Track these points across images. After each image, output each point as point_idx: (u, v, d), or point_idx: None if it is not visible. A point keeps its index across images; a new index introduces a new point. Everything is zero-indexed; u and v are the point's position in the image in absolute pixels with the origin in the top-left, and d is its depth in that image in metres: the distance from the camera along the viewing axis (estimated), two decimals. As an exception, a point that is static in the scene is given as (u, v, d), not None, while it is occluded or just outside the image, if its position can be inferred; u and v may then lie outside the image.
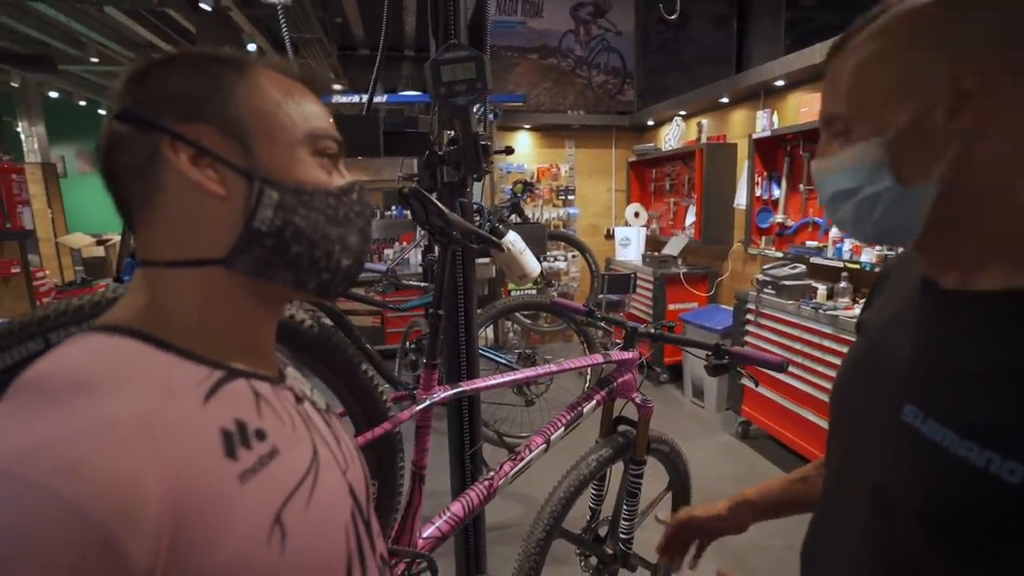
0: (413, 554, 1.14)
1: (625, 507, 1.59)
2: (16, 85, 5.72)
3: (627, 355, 1.57)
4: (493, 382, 1.30)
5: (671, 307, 4.23)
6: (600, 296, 4.11)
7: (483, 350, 2.49)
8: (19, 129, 6.03)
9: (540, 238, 2.11)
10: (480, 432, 1.70)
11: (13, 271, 2.95)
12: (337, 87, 5.00)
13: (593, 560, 1.63)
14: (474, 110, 1.41)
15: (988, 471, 0.44)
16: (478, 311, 2.48)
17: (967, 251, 0.51)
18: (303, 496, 0.46)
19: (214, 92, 0.47)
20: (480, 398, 1.72)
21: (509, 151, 1.46)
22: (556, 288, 5.36)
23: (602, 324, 1.71)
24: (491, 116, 4.58)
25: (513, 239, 1.70)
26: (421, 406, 1.16)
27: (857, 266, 2.81)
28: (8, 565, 0.31)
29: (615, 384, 1.56)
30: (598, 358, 1.56)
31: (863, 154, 0.51)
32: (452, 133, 1.29)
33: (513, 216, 3.66)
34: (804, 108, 3.36)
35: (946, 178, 0.48)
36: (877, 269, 2.72)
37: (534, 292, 4.22)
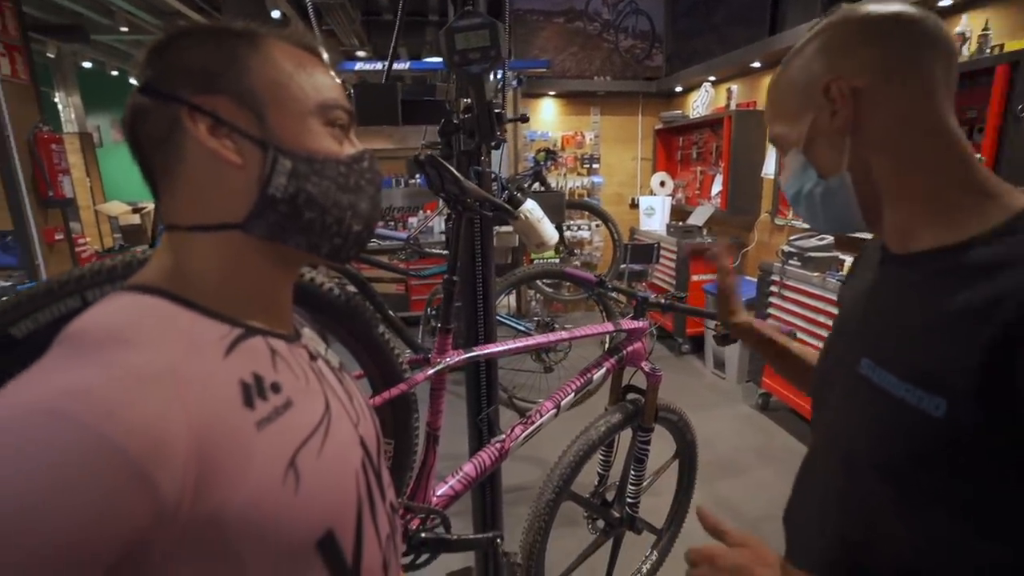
0: (427, 510, 1.20)
1: (632, 473, 1.63)
2: (52, 56, 5.85)
3: (637, 324, 1.58)
4: (505, 347, 1.34)
5: (694, 278, 4.19)
6: (622, 266, 4.09)
7: (502, 317, 2.53)
8: (56, 100, 6.19)
9: (558, 207, 2.11)
10: (497, 396, 1.74)
11: (57, 238, 3.07)
12: (361, 54, 4.98)
13: (600, 523, 1.68)
14: (493, 77, 1.40)
15: (919, 408, 0.52)
16: (498, 279, 2.51)
17: (896, 221, 0.60)
18: (315, 443, 0.50)
19: (229, 64, 0.49)
20: (498, 363, 1.76)
21: (524, 119, 1.46)
22: (579, 257, 5.35)
23: (612, 294, 1.71)
24: (514, 83, 4.52)
25: (531, 207, 1.71)
26: (435, 369, 1.20)
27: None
28: (53, 492, 0.35)
29: (624, 352, 1.59)
30: (608, 326, 1.58)
31: (793, 161, 0.64)
32: (468, 101, 1.29)
33: (536, 184, 3.64)
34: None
35: (853, 164, 0.59)
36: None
37: (557, 261, 4.23)
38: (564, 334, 1.51)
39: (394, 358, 1.13)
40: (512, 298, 5.34)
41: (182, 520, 0.39)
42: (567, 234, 5.32)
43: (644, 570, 1.87)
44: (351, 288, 1.25)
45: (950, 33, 0.60)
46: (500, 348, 1.32)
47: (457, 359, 1.24)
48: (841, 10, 0.60)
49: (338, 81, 0.55)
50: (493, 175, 1.47)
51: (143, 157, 0.51)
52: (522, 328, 2.62)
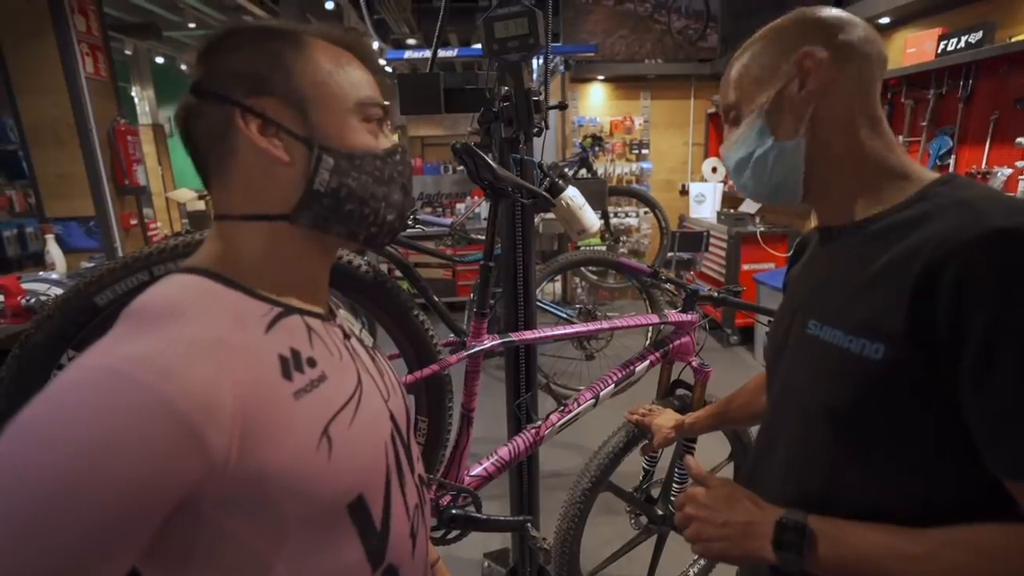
0: (459, 488, 1.24)
1: (677, 471, 1.58)
2: (129, 53, 6.23)
3: (685, 317, 1.54)
4: (541, 334, 1.36)
5: (745, 267, 4.07)
6: (669, 254, 4.02)
7: (544, 303, 2.54)
8: (133, 93, 6.61)
9: (600, 193, 2.09)
10: (535, 382, 1.77)
11: (132, 223, 3.30)
12: (411, 42, 5.05)
13: (643, 519, 1.65)
14: (536, 64, 1.40)
15: (862, 355, 0.58)
16: (543, 265, 2.53)
17: (837, 192, 0.68)
18: (348, 415, 0.55)
19: (276, 67, 0.52)
20: (537, 349, 1.78)
21: (563, 107, 1.46)
22: (625, 245, 5.28)
23: (666, 285, 1.70)
24: (561, 68, 4.48)
25: (572, 194, 1.71)
26: (469, 352, 1.24)
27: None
28: (115, 444, 0.40)
29: (671, 347, 1.55)
30: (654, 318, 1.56)
31: (750, 125, 0.69)
32: (507, 89, 1.31)
33: (582, 171, 3.62)
34: (911, 48, 3.03)
35: (807, 133, 0.66)
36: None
37: (603, 248, 4.20)
38: (604, 324, 1.51)
39: (428, 339, 1.17)
40: (558, 285, 5.35)
41: (227, 475, 0.44)
42: (614, 221, 5.26)
43: (691, 573, 1.82)
44: (398, 272, 1.30)
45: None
46: (536, 335, 1.35)
47: (491, 344, 1.28)
48: (802, 10, 0.68)
49: (373, 77, 0.59)
50: (536, 163, 1.48)
51: (196, 151, 0.56)
52: (564, 315, 2.63)
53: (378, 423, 0.60)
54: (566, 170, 3.01)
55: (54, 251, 2.81)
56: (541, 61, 1.67)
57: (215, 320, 0.48)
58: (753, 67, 0.69)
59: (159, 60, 6.95)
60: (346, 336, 0.62)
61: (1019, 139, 2.55)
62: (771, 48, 0.67)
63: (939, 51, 2.85)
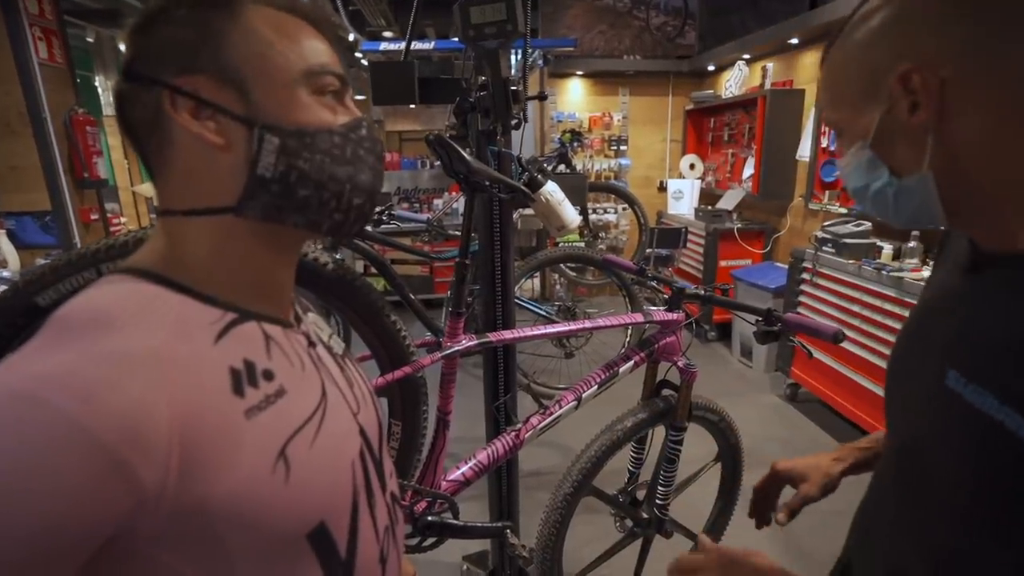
0: (434, 494, 1.19)
1: (662, 473, 1.55)
2: (91, 40, 5.99)
3: (672, 316, 1.50)
4: (520, 334, 1.31)
5: (723, 263, 4.08)
6: (648, 251, 4.01)
7: (523, 301, 2.50)
8: (96, 83, 6.35)
9: (580, 189, 2.05)
10: (515, 382, 1.72)
11: (92, 217, 3.16)
12: (388, 34, 4.95)
13: (628, 522, 1.61)
14: (515, 55, 1.35)
15: (1019, 436, 0.43)
16: (518, 262, 2.49)
17: (992, 219, 0.51)
18: (309, 433, 0.49)
19: (206, 39, 0.46)
20: (516, 348, 1.74)
21: (543, 97, 1.41)
22: (604, 241, 5.27)
23: (652, 283, 1.66)
24: (539, 62, 4.43)
25: (552, 189, 1.66)
26: (444, 353, 1.19)
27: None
28: (27, 477, 0.34)
29: (656, 347, 1.51)
30: (639, 317, 1.51)
31: (856, 156, 0.54)
32: (484, 79, 1.26)
33: (561, 166, 3.58)
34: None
35: (936, 164, 0.49)
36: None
37: (581, 245, 4.17)
38: (587, 323, 1.47)
39: (400, 340, 1.12)
40: (536, 281, 5.31)
41: (166, 508, 0.39)
42: (593, 217, 5.25)
43: None
44: (348, 265, 1.24)
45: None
46: (515, 335, 1.30)
47: (468, 344, 1.23)
48: None
49: (329, 45, 0.51)
50: (514, 156, 1.43)
51: (135, 141, 0.49)
52: (543, 313, 2.59)
53: (345, 440, 0.55)
54: (545, 165, 2.98)
55: (6, 247, 2.67)
56: (518, 54, 1.62)
57: (152, 330, 0.42)
58: (848, 79, 0.53)
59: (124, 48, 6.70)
60: (311, 344, 0.57)
61: None
62: (870, 52, 0.51)
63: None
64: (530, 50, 1.42)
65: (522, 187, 1.24)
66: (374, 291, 1.10)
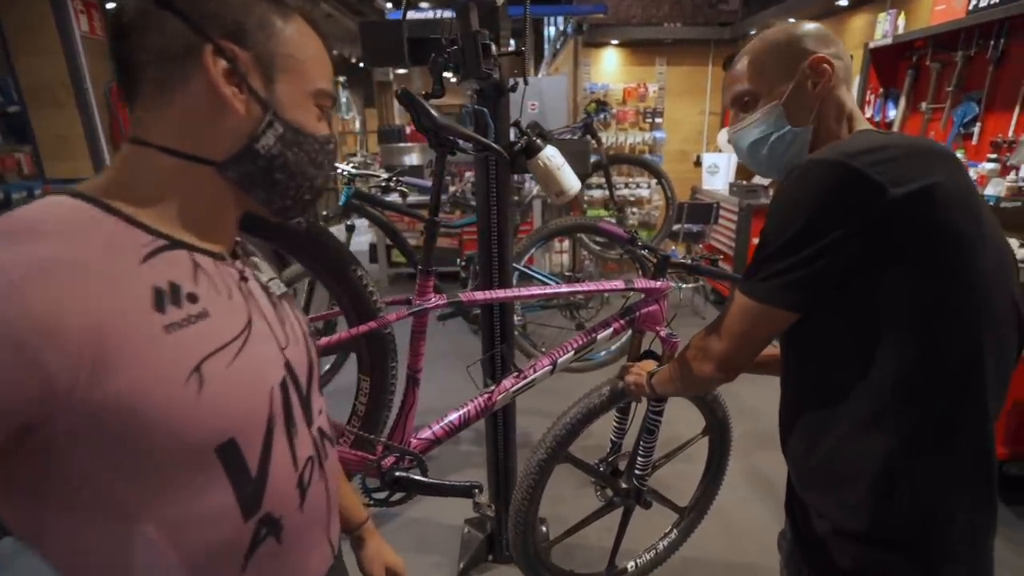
0: (402, 451, 1.21)
1: (642, 444, 1.51)
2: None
3: (655, 284, 1.46)
4: (492, 296, 1.30)
5: (755, 240, 3.91)
6: (676, 226, 3.89)
7: (530, 269, 2.48)
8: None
9: (582, 154, 2.00)
10: (512, 338, 1.72)
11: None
12: (388, 5, 4.92)
13: (609, 492, 1.60)
14: (547, 23, 1.30)
15: None
16: (529, 234, 2.46)
17: None
18: (227, 355, 0.52)
19: (261, 25, 0.53)
20: (523, 315, 1.73)
21: (519, 52, 1.37)
22: (636, 216, 5.15)
23: (642, 252, 1.60)
24: (570, 30, 4.31)
25: (550, 154, 1.62)
26: (412, 310, 1.19)
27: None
28: None
29: (637, 314, 1.48)
30: (619, 284, 1.48)
31: (770, 112, 0.84)
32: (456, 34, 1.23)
33: (586, 138, 3.49)
34: (940, 6, 2.81)
35: (814, 121, 0.83)
36: (1003, 204, 2.34)
37: (612, 220, 4.08)
38: (563, 288, 1.45)
39: (367, 295, 1.13)
40: (566, 256, 5.25)
41: (76, 403, 0.42)
42: (624, 192, 5.12)
43: (660, 547, 1.77)
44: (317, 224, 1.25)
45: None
46: (486, 296, 1.29)
47: (437, 302, 1.23)
48: (801, 23, 0.85)
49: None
50: (489, 119, 1.40)
51: (130, 59, 0.51)
52: (551, 282, 2.56)
53: (265, 368, 0.58)
54: (546, 130, 2.91)
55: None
56: (567, 22, 1.58)
57: (80, 244, 0.45)
58: (769, 62, 0.83)
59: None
60: (243, 278, 0.60)
61: (1051, 104, 2.35)
62: (787, 51, 0.82)
63: (970, 7, 2.63)
64: (559, 17, 1.36)
65: (494, 145, 1.22)
66: (341, 247, 1.11)
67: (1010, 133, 2.61)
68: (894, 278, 0.70)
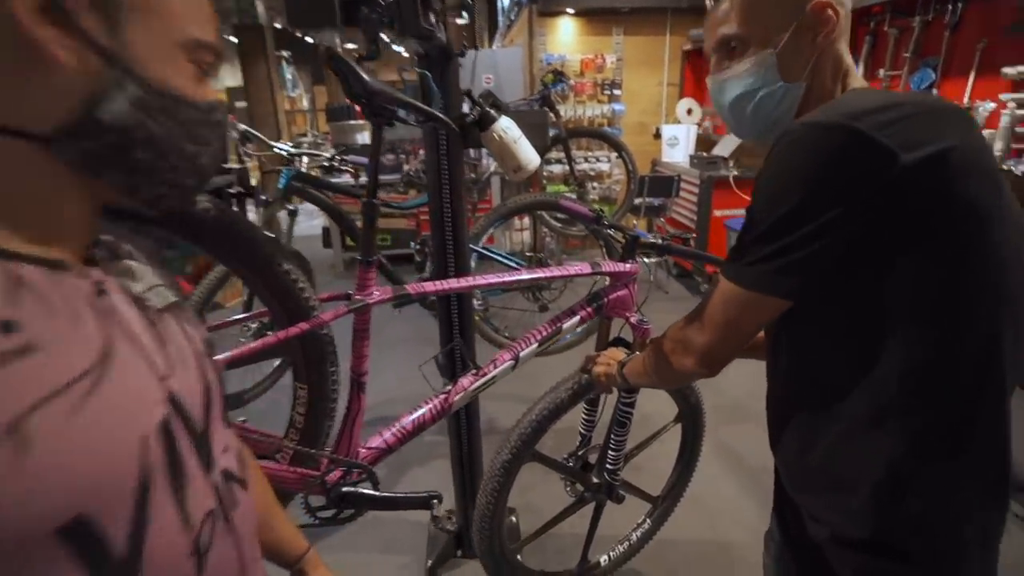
0: (349, 463, 1.08)
1: (613, 437, 1.42)
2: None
3: (623, 267, 1.35)
4: (444, 286, 1.16)
5: (716, 213, 3.88)
6: (637, 200, 3.81)
7: (490, 251, 2.35)
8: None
9: (540, 126, 1.86)
10: (471, 329, 1.59)
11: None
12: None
13: (579, 487, 1.51)
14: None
15: None
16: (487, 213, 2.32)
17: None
18: (66, 402, 0.38)
19: None
20: (471, 296, 1.61)
21: (467, 7, 1.21)
22: (596, 191, 5.07)
23: (608, 231, 1.49)
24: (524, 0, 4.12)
25: (506, 126, 1.47)
26: (352, 307, 1.05)
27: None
28: None
29: (605, 300, 1.37)
30: (586, 268, 1.36)
31: (761, 61, 0.72)
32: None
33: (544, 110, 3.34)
34: (897, -31, 2.77)
35: (808, 77, 0.72)
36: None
37: (573, 196, 3.96)
38: (523, 274, 1.33)
39: (297, 292, 0.98)
40: (527, 234, 5.13)
41: None
42: (584, 166, 5.02)
43: (633, 538, 1.71)
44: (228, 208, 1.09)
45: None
46: (436, 287, 1.15)
47: (380, 297, 1.08)
48: None
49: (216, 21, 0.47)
50: (437, 88, 1.24)
51: None
52: (512, 264, 2.43)
53: (135, 410, 0.43)
54: (500, 100, 2.76)
55: None
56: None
57: None
58: (766, 3, 0.71)
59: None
60: (100, 292, 0.44)
61: (1005, 69, 2.34)
62: None
63: (928, -31, 2.59)
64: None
65: (438, 113, 1.07)
66: (262, 236, 0.95)
67: (965, 100, 2.60)
68: (904, 259, 0.61)
